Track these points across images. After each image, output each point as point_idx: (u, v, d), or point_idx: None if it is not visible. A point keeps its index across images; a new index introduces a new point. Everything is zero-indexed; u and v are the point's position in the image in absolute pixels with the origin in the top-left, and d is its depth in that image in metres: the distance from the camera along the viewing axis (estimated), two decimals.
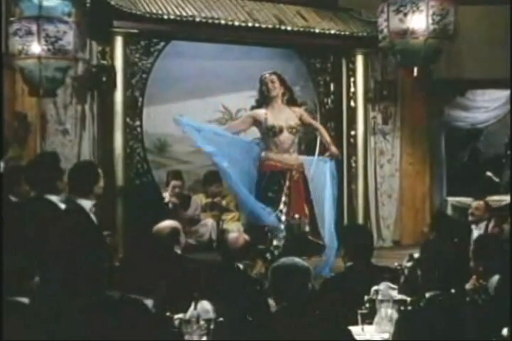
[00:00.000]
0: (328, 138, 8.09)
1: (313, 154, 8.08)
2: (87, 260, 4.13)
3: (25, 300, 3.91)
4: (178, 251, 5.56)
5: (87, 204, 5.29)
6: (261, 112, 7.88)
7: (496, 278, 4.44)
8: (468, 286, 4.85)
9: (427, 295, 3.87)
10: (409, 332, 3.76)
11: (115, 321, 3.69)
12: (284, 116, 7.83)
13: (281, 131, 7.77)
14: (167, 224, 5.62)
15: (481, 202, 8.10)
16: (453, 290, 3.92)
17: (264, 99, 7.91)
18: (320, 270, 7.02)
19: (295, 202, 7.74)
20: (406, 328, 3.78)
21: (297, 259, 3.79)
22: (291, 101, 8.00)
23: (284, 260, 3.80)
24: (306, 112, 8.58)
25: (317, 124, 8.43)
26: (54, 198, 5.22)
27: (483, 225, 7.86)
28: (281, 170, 7.77)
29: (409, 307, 4.28)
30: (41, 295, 3.99)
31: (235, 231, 6.54)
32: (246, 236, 5.67)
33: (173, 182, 8.80)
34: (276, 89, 7.83)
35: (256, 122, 7.89)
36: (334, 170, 7.92)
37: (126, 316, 3.74)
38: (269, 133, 7.82)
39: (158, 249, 5.45)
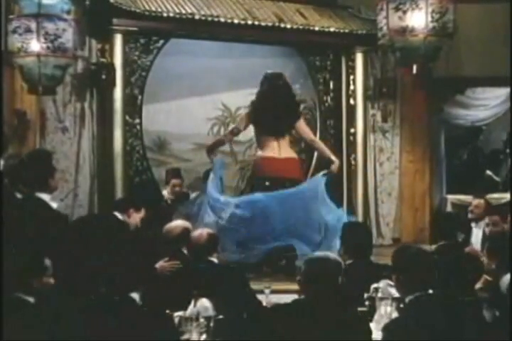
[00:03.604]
0: None
1: None
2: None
3: (30, 299, 3.90)
4: (185, 251, 5.58)
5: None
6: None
7: (508, 276, 4.38)
8: (479, 285, 4.83)
9: (407, 299, 3.91)
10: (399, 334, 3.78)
11: (112, 320, 3.69)
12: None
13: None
14: (178, 223, 5.64)
15: (481, 200, 8.10)
16: (431, 291, 3.94)
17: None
18: None
19: None
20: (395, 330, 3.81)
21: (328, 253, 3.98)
22: None
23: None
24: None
25: None
26: (45, 196, 5.19)
27: (483, 223, 7.85)
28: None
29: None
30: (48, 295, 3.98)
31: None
32: (210, 231, 5.68)
33: (173, 181, 8.78)
34: None
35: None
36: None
37: (122, 315, 3.73)
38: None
39: (167, 248, 5.49)
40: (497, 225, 7.40)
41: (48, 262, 4.05)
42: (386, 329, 3.83)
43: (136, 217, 6.26)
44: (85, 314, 3.77)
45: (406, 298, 3.90)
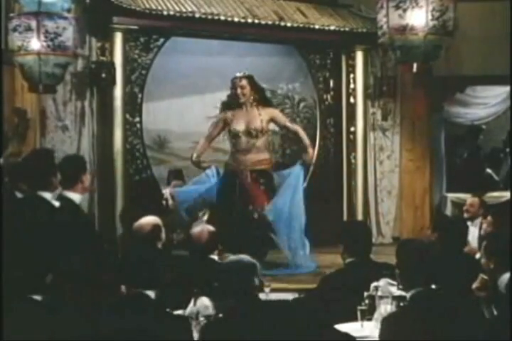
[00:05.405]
0: (306, 141, 7.97)
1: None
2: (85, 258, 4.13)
3: (38, 297, 3.89)
4: (159, 247, 5.54)
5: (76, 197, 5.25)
6: (229, 115, 7.88)
7: (506, 275, 4.38)
8: (475, 284, 4.83)
9: (409, 293, 3.91)
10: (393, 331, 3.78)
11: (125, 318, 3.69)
12: (245, 120, 7.79)
13: (237, 135, 7.79)
14: (149, 220, 5.58)
15: (476, 199, 8.10)
16: (433, 287, 3.94)
17: (234, 101, 7.87)
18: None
19: (249, 195, 7.76)
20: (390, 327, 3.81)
21: (243, 256, 3.88)
22: (262, 102, 7.90)
23: (231, 257, 3.92)
24: (282, 113, 8.41)
25: (294, 126, 8.14)
26: (47, 195, 5.18)
27: (478, 222, 7.85)
28: (235, 169, 7.80)
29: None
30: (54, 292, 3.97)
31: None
32: (210, 228, 5.65)
33: (174, 182, 8.78)
34: (246, 95, 7.78)
35: (226, 125, 7.91)
36: (301, 176, 7.83)
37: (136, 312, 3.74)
38: (230, 135, 7.92)
39: (141, 245, 5.45)
40: (491, 226, 7.40)
41: None
42: (385, 321, 3.85)
43: (88, 179, 5.51)
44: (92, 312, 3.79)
45: (409, 292, 3.91)
